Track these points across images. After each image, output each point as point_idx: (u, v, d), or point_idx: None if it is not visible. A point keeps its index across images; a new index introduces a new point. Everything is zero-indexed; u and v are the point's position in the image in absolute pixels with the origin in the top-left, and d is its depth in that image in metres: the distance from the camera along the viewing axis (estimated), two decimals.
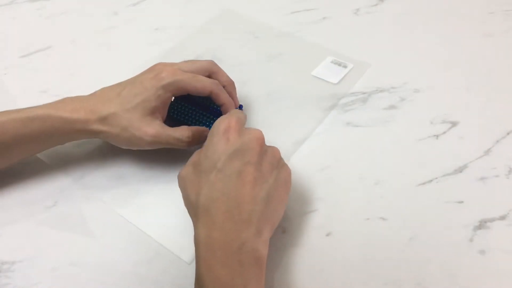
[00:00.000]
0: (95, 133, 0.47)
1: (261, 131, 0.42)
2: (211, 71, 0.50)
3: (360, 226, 0.46)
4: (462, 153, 0.50)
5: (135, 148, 0.48)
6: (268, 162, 0.41)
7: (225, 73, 0.52)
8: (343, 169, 0.50)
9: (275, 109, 0.56)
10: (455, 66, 0.59)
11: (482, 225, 0.45)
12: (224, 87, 0.51)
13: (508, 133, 0.52)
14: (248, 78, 0.59)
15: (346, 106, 0.55)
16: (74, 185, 0.50)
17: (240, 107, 0.54)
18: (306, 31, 0.64)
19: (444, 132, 0.52)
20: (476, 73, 0.58)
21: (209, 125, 0.51)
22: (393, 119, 0.54)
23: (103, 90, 0.49)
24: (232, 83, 0.52)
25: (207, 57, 0.61)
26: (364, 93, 0.56)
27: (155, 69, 0.48)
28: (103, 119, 0.46)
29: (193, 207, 0.40)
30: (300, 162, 0.51)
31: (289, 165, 0.50)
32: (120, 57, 0.62)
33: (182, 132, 0.48)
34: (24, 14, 0.69)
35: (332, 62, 0.58)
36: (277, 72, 0.60)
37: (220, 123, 0.42)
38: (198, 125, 0.51)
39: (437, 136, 0.52)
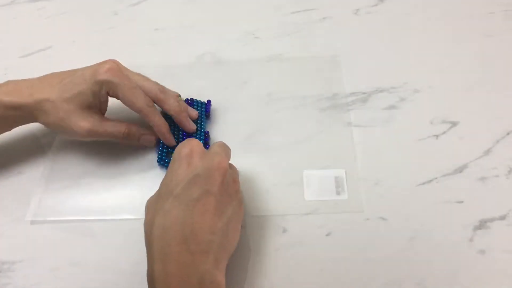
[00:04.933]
0: (33, 118, 0.47)
1: (224, 157, 0.40)
2: (157, 98, 0.48)
3: (360, 226, 0.46)
4: (462, 153, 0.50)
5: (71, 138, 0.48)
6: (228, 194, 0.40)
7: (173, 103, 0.49)
8: (343, 169, 0.50)
9: (275, 109, 0.55)
10: (455, 66, 0.59)
11: (482, 225, 0.45)
12: (172, 116, 0.49)
13: (508, 133, 0.52)
14: (248, 78, 0.59)
15: (346, 106, 0.55)
16: (74, 185, 0.50)
17: (207, 133, 0.52)
18: (306, 31, 0.64)
19: (444, 132, 0.52)
20: (476, 73, 0.58)
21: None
22: (393, 119, 0.54)
23: (52, 74, 0.48)
24: (181, 112, 0.50)
25: (207, 57, 0.62)
26: (364, 93, 0.56)
27: (102, 62, 0.47)
28: (39, 103, 0.45)
29: (147, 238, 0.38)
30: (300, 162, 0.51)
31: (288, 165, 0.50)
32: (120, 57, 0.62)
33: (118, 128, 0.47)
34: (24, 14, 0.69)
35: (336, 177, 0.48)
36: (277, 72, 0.59)
37: (183, 147, 0.40)
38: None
39: (437, 136, 0.52)
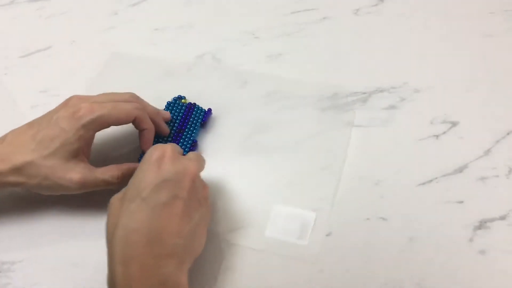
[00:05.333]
0: (11, 185, 0.43)
1: (196, 164, 0.40)
2: None
3: (360, 226, 0.46)
4: (462, 153, 0.50)
5: (60, 194, 0.45)
6: (197, 200, 0.40)
7: (149, 105, 0.48)
8: (343, 169, 0.50)
9: (275, 109, 0.55)
10: (455, 66, 0.59)
11: (482, 225, 0.45)
12: (151, 118, 0.48)
13: (508, 133, 0.52)
14: (248, 78, 0.59)
15: (346, 106, 0.55)
16: None
17: (195, 142, 0.51)
18: (306, 31, 0.64)
19: (444, 132, 0.52)
20: (476, 73, 0.58)
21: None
22: (393, 119, 0.54)
23: (14, 133, 0.44)
24: (158, 114, 0.49)
25: (207, 57, 0.62)
26: (364, 93, 0.56)
27: (71, 105, 0.44)
28: (18, 169, 0.42)
29: (109, 239, 0.37)
30: (300, 162, 0.51)
31: (288, 165, 0.50)
32: (120, 57, 0.62)
33: (110, 173, 0.44)
34: (24, 14, 0.69)
35: (303, 220, 0.46)
36: (277, 72, 0.59)
37: (155, 150, 0.39)
38: None
39: (437, 136, 0.52)
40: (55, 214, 0.48)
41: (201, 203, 0.40)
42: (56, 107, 0.45)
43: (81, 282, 0.44)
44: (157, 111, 0.49)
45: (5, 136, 0.44)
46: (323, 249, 0.45)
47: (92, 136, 0.45)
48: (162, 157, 0.39)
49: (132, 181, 0.39)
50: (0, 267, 0.45)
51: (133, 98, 0.47)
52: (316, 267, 0.44)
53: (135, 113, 0.45)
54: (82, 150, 0.44)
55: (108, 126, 0.45)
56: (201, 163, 0.43)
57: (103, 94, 0.46)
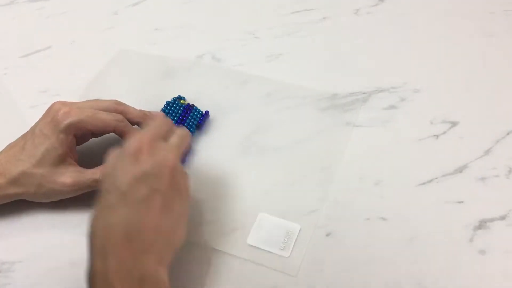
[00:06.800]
0: (11, 196, 0.44)
1: (174, 155, 0.39)
2: (117, 111, 0.46)
3: (360, 226, 0.46)
4: (462, 153, 0.50)
5: (57, 199, 0.45)
6: (177, 189, 0.39)
7: (134, 110, 0.48)
8: (343, 169, 0.50)
9: (274, 109, 0.55)
10: (455, 66, 0.59)
11: (482, 225, 0.45)
12: (138, 123, 0.47)
13: (508, 133, 0.52)
14: (248, 78, 0.59)
15: (346, 106, 0.55)
16: None
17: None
18: (306, 31, 0.64)
19: (444, 132, 0.52)
20: (476, 73, 0.58)
21: None
22: (393, 119, 0.54)
23: (10, 146, 0.45)
24: (145, 116, 0.48)
25: (207, 57, 0.62)
26: (364, 93, 0.56)
27: (52, 111, 0.44)
28: (15, 181, 0.43)
29: (91, 231, 0.36)
30: (300, 163, 0.51)
31: (288, 165, 0.50)
32: (120, 57, 0.62)
33: (102, 172, 0.44)
34: (24, 14, 0.69)
35: (287, 231, 0.45)
36: (277, 72, 0.59)
37: (132, 142, 0.38)
38: None
39: (437, 136, 0.52)
40: (55, 214, 0.48)
41: (182, 192, 0.39)
42: (41, 116, 0.45)
43: (81, 282, 0.44)
44: (143, 113, 0.48)
45: (2, 150, 0.45)
46: (320, 253, 0.45)
47: (73, 140, 0.45)
48: (139, 148, 0.37)
49: (109, 172, 0.38)
50: (0, 267, 0.45)
51: (116, 105, 0.47)
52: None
53: (113, 124, 0.45)
54: (68, 154, 0.44)
55: (89, 134, 0.46)
56: (180, 146, 0.41)
57: (86, 100, 0.47)
